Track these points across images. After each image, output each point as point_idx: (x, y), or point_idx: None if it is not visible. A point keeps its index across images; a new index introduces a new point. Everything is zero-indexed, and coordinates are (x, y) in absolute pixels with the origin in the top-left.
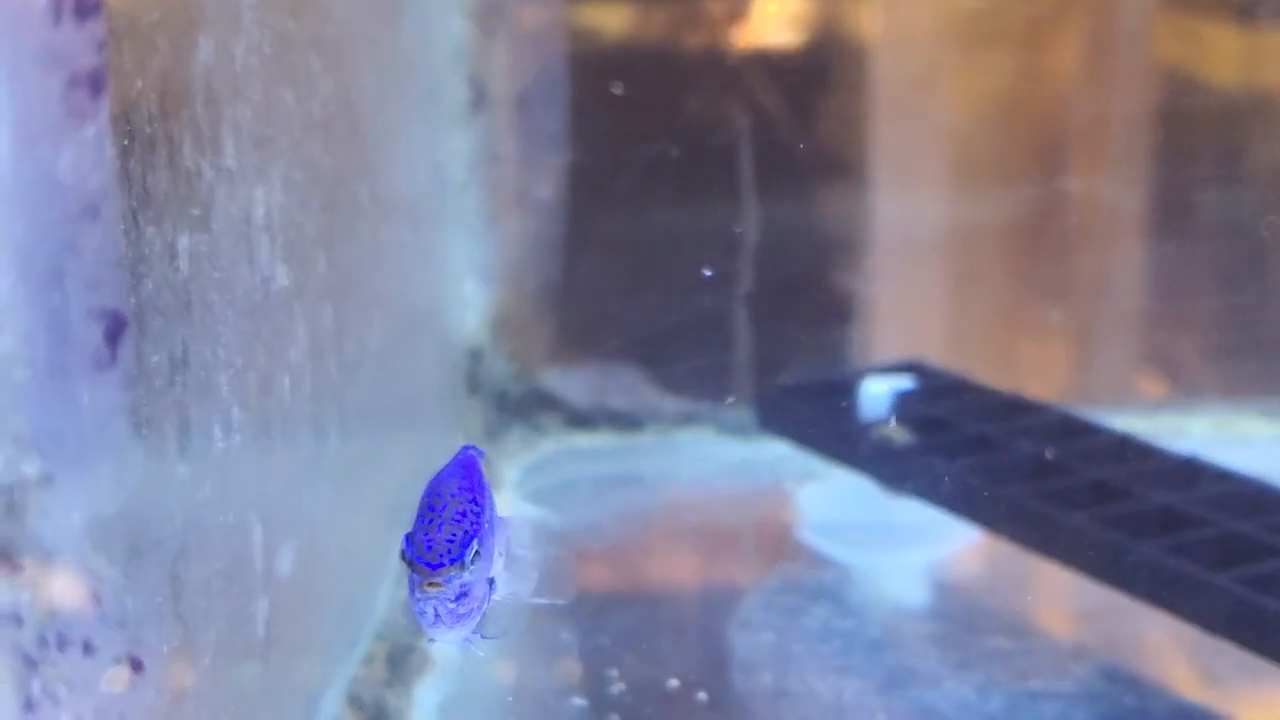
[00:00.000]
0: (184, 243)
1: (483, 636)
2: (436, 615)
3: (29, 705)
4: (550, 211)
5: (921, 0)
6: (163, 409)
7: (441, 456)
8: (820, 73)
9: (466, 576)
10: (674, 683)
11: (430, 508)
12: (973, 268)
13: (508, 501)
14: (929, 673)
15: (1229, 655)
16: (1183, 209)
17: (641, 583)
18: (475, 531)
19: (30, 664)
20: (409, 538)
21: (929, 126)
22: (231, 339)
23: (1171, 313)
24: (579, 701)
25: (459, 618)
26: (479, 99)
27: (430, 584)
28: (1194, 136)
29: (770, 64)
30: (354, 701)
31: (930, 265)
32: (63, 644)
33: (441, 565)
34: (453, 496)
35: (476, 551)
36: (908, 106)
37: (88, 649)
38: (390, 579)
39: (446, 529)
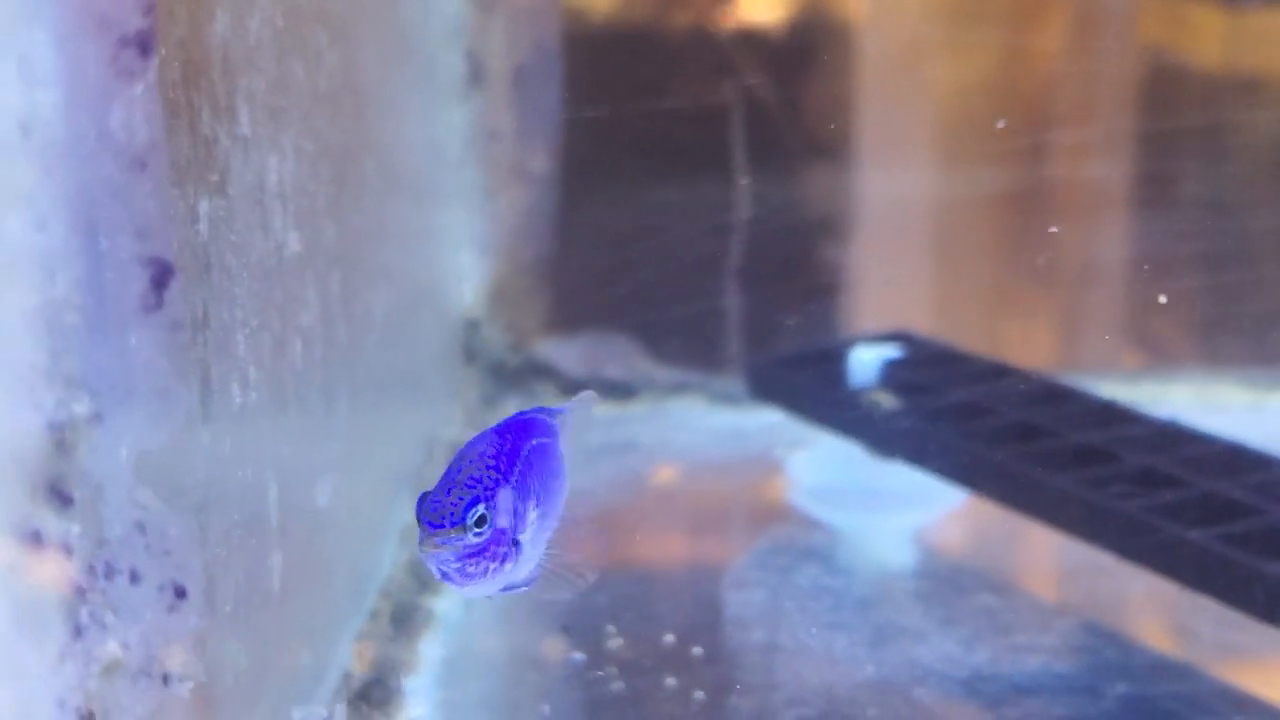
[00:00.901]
0: (204, 207)
1: (525, 588)
2: (444, 573)
3: (78, 632)
4: (546, 185)
5: None
6: (185, 366)
7: (440, 426)
8: (807, 51)
9: (471, 539)
10: (670, 638)
11: (450, 470)
12: (959, 243)
13: None
14: (916, 628)
15: (1207, 611)
16: (1166, 186)
17: (636, 546)
18: (485, 497)
19: (79, 592)
20: (423, 496)
21: (915, 104)
22: (247, 301)
23: (1154, 286)
24: (578, 656)
25: (469, 576)
26: (476, 74)
27: (430, 544)
28: (1178, 115)
29: (758, 43)
30: (361, 655)
31: (917, 240)
32: (110, 573)
33: (441, 527)
34: (472, 462)
35: (482, 515)
36: (894, 84)
37: (134, 577)
38: (395, 539)
39: (456, 492)
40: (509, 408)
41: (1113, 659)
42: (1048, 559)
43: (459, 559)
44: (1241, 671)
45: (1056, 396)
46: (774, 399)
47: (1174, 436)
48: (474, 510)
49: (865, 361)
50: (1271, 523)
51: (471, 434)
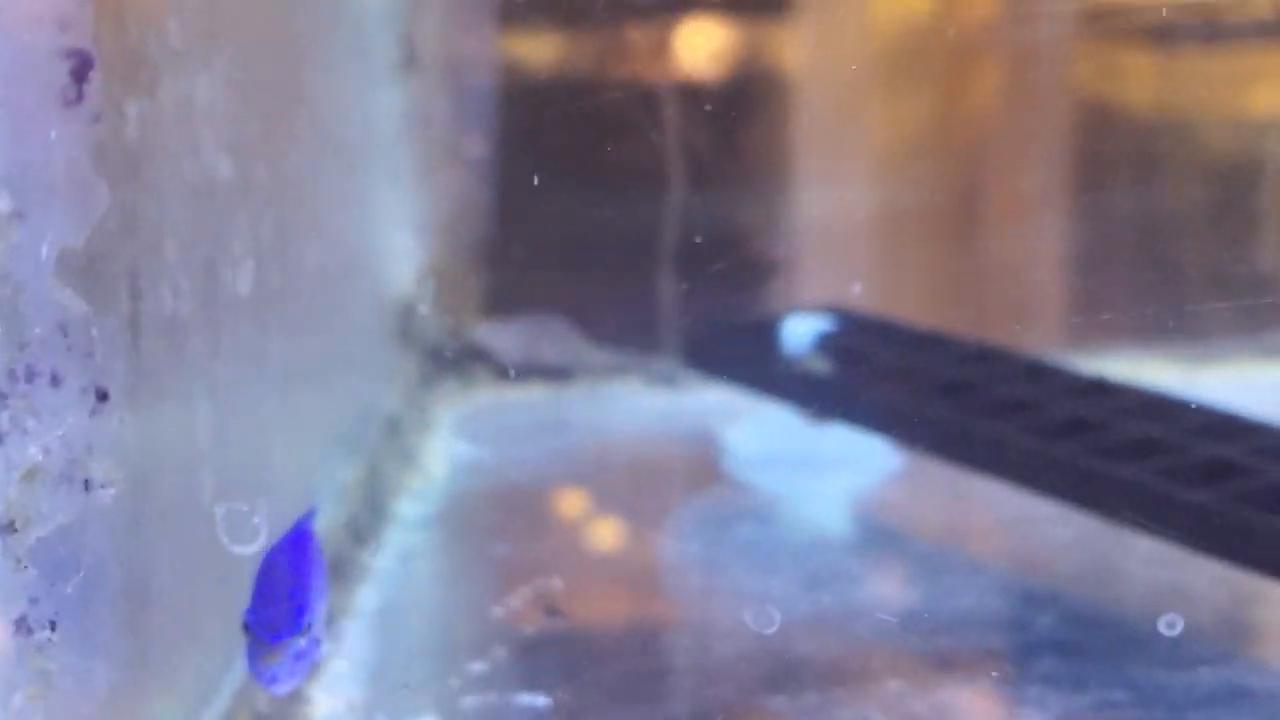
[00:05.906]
0: (132, 108)
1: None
2: (275, 678)
3: None
4: (482, 169)
5: (844, 30)
6: (114, 263)
7: (378, 399)
8: (744, 102)
9: (301, 643)
10: (607, 582)
11: (265, 583)
12: (895, 298)
13: (445, 443)
14: (851, 573)
15: (1134, 552)
16: (1100, 232)
17: (574, 506)
18: (307, 602)
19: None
20: (250, 612)
21: (853, 155)
22: (177, 209)
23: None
24: (514, 603)
25: (296, 676)
26: (410, 59)
27: (274, 657)
28: (1112, 162)
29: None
30: None
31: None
32: (31, 376)
33: (281, 638)
34: (283, 573)
35: (309, 621)
36: (831, 135)
37: (55, 380)
38: (331, 496)
39: (284, 605)
40: (449, 389)
41: (1044, 593)
42: (982, 515)
43: (296, 663)
44: (1166, 602)
45: (987, 356)
46: (711, 368)
47: (1102, 389)
48: (305, 616)
49: (800, 331)
50: (1196, 459)
51: (410, 411)
